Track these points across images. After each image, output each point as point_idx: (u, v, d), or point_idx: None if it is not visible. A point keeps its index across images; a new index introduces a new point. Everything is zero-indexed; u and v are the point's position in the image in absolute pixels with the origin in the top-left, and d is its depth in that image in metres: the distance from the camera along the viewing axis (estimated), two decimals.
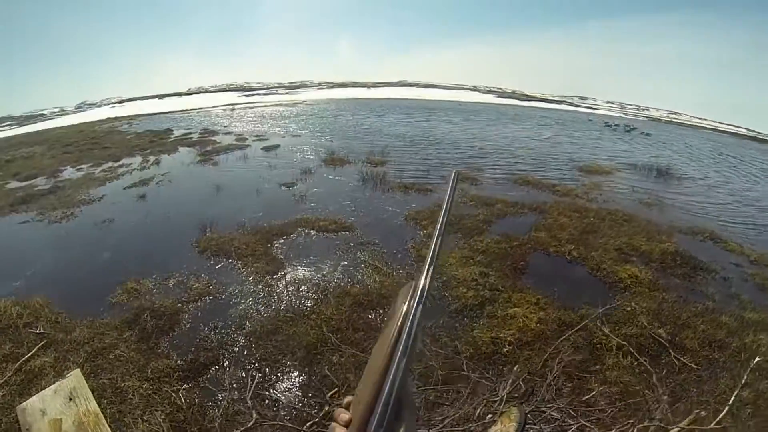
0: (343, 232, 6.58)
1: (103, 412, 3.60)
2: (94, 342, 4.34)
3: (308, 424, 3.20)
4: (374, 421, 0.44)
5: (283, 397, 3.60)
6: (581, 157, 12.49)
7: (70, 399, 3.77)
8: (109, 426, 3.51)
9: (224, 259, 5.86)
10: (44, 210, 8.74)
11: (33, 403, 3.75)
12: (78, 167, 13.28)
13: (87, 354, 4.18)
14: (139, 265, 5.83)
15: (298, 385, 3.74)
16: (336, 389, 3.56)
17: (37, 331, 4.55)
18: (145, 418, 3.42)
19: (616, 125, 24.63)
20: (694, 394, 3.52)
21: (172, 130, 20.96)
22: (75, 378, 3.94)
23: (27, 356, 4.18)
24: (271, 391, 3.68)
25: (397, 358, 0.51)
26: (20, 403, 3.73)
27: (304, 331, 4.35)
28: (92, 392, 3.78)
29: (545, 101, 37.12)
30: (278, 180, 9.69)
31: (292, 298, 5.02)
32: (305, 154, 12.69)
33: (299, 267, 5.67)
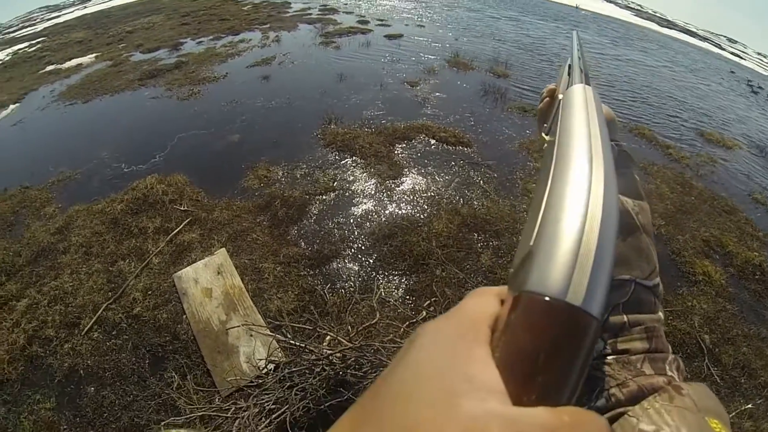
0: (461, 147, 6.30)
1: (245, 287, 4.02)
2: (233, 224, 4.65)
3: (407, 323, 3.48)
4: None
5: (391, 296, 3.97)
6: (706, 119, 10.21)
7: (218, 273, 4.14)
8: (251, 299, 3.94)
9: (349, 157, 5.85)
10: (171, 86, 8.95)
11: (187, 272, 4.18)
12: (198, 40, 13.39)
13: (228, 235, 4.51)
14: (267, 152, 6.01)
15: (403, 287, 4.07)
16: (435, 298, 3.87)
17: (182, 209, 4.93)
18: (279, 296, 3.85)
19: (760, 87, 19.24)
20: None
21: (290, 3, 20.45)
22: (221, 255, 4.29)
23: (176, 230, 4.59)
24: (383, 290, 3.95)
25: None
26: (175, 271, 4.23)
27: (415, 240, 4.51)
28: (236, 269, 4.20)
29: (688, 33, 30.05)
30: (401, 76, 9.18)
31: (408, 206, 5.10)
32: (429, 50, 11.72)
33: (417, 176, 5.63)
